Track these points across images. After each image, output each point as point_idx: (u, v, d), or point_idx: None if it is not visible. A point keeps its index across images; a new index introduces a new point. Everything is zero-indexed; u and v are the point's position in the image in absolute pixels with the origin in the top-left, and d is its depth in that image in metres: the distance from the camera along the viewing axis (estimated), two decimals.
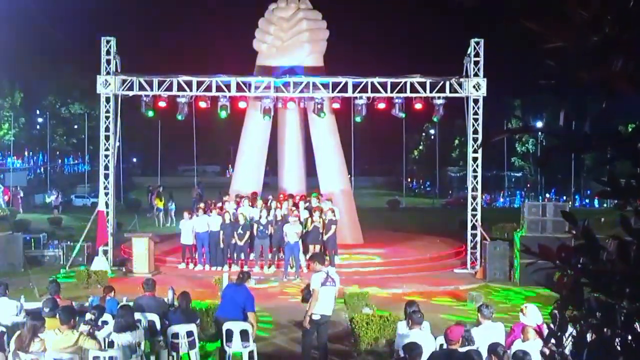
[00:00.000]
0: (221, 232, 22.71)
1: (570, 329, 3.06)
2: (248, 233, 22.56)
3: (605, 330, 2.89)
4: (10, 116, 60.57)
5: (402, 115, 24.52)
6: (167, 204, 38.25)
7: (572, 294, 2.96)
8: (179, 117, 24.44)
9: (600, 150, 2.73)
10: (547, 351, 3.28)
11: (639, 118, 2.74)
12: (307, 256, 21.20)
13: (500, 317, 12.44)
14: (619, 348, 2.86)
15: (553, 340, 3.15)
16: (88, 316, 10.74)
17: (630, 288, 2.81)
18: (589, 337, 2.97)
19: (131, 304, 12.18)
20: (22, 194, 46.66)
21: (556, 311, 3.13)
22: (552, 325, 3.19)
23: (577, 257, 2.95)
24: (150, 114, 24.56)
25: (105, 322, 11.23)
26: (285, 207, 23.53)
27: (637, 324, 2.85)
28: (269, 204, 23.75)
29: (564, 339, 3.09)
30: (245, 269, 20.76)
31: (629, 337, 2.85)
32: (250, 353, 11.88)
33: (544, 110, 58.25)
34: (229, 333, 11.68)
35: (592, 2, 2.53)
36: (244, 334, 11.69)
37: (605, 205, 49.37)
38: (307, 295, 11.86)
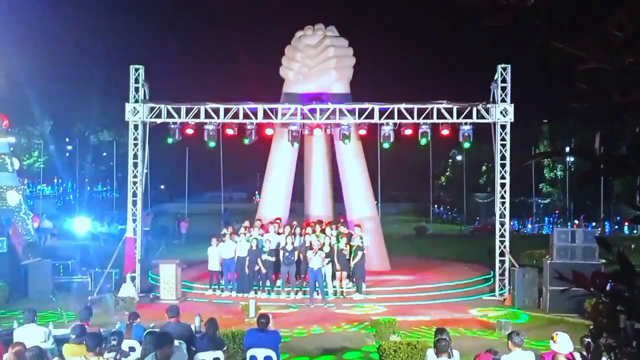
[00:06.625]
0: (247, 259, 22.73)
1: (604, 358, 2.98)
2: (274, 258, 22.58)
3: None
4: (40, 144, 61.39)
5: (424, 141, 24.04)
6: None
7: (608, 321, 2.88)
8: (211, 145, 24.49)
9: (636, 173, 2.67)
10: None
11: None
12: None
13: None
14: None
15: None
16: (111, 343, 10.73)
17: None
18: None
19: (157, 330, 12.16)
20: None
21: (589, 339, 3.06)
22: (585, 354, 3.11)
23: (612, 284, 2.88)
24: (177, 140, 24.55)
25: (132, 349, 11.22)
26: (312, 233, 23.50)
27: None
28: (294, 230, 23.75)
29: None
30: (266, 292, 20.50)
31: None
32: None
33: (574, 136, 57.79)
34: (253, 359, 11.61)
35: (627, 22, 2.48)
36: None
37: (635, 231, 48.78)
38: None
